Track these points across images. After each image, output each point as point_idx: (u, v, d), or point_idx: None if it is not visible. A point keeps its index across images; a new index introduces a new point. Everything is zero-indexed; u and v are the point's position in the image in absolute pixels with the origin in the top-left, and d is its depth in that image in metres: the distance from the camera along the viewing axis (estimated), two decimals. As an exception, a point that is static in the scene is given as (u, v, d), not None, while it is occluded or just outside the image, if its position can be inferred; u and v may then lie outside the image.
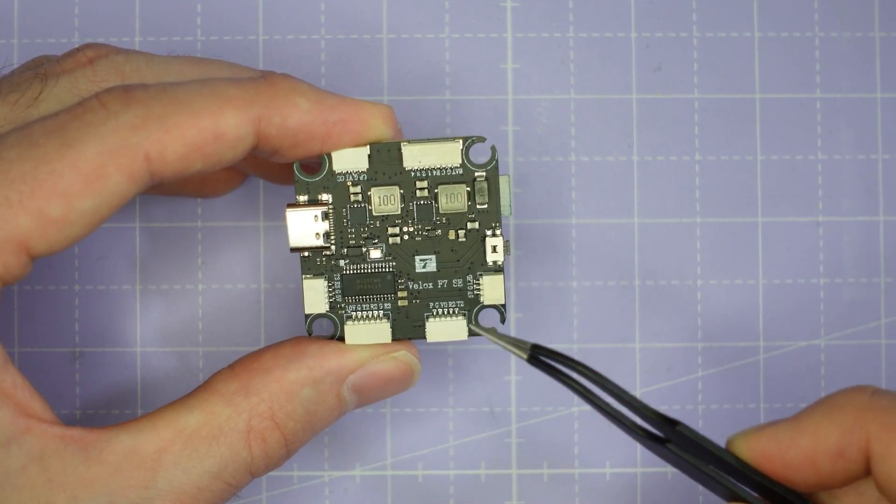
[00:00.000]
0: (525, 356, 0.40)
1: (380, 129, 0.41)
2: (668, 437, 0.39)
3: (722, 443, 0.39)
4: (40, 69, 0.42)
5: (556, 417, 0.51)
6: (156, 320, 0.51)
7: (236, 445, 0.39)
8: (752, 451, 0.38)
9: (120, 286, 0.51)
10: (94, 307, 0.51)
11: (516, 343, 0.41)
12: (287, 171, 0.44)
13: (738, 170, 0.51)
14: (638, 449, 0.50)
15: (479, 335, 0.42)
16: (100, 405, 0.50)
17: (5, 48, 0.51)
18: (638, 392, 0.51)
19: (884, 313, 0.51)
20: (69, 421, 0.50)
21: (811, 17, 0.52)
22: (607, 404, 0.39)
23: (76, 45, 0.47)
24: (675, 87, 0.51)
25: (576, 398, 0.50)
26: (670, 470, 0.50)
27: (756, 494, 0.39)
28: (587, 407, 0.50)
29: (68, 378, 0.50)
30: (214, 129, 0.38)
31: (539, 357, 0.40)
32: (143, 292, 0.51)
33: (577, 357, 0.40)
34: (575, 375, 0.40)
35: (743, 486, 0.39)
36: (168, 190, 0.49)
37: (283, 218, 0.44)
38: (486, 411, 0.51)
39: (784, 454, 0.38)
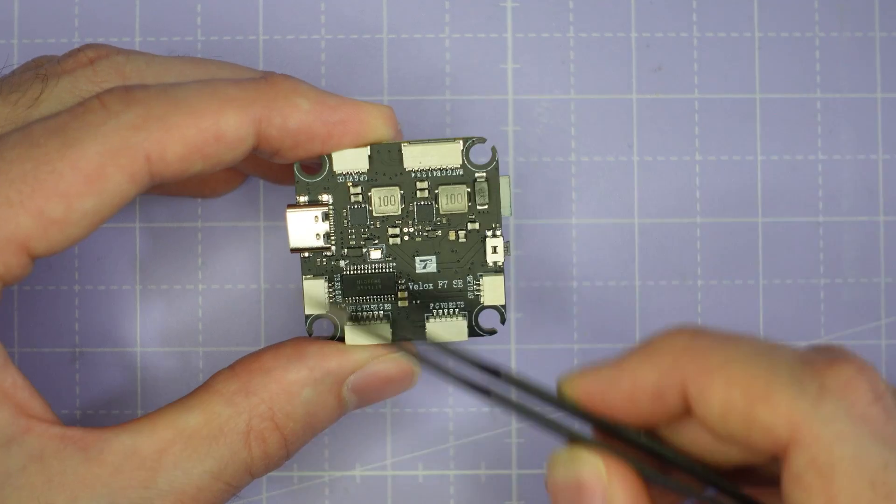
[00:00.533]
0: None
1: (380, 129, 0.41)
2: (492, 389, 0.39)
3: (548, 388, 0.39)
4: (41, 69, 0.42)
5: (555, 417, 0.51)
6: (156, 320, 0.51)
7: (236, 446, 0.40)
8: (577, 392, 0.38)
9: (120, 286, 0.51)
10: (94, 307, 0.51)
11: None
12: (287, 171, 0.44)
13: (738, 170, 0.51)
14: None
15: (482, 334, 0.42)
16: (100, 405, 0.50)
17: (5, 48, 0.51)
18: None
19: (884, 313, 0.51)
20: (69, 421, 0.50)
21: (811, 17, 0.52)
22: (439, 365, 0.39)
23: (76, 46, 0.47)
24: (675, 87, 0.51)
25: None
26: (670, 470, 0.50)
27: (593, 434, 0.39)
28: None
29: (68, 378, 0.50)
30: (215, 129, 0.38)
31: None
32: (143, 292, 0.51)
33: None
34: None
35: (576, 426, 0.39)
36: (168, 190, 0.49)
37: (284, 219, 0.44)
38: (486, 411, 0.51)
39: (606, 395, 0.38)
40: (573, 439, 0.38)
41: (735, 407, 0.35)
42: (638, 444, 0.38)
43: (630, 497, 0.37)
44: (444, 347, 0.39)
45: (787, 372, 0.34)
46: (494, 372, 0.39)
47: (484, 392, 0.39)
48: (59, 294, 0.51)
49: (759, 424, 0.34)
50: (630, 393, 0.37)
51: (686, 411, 0.37)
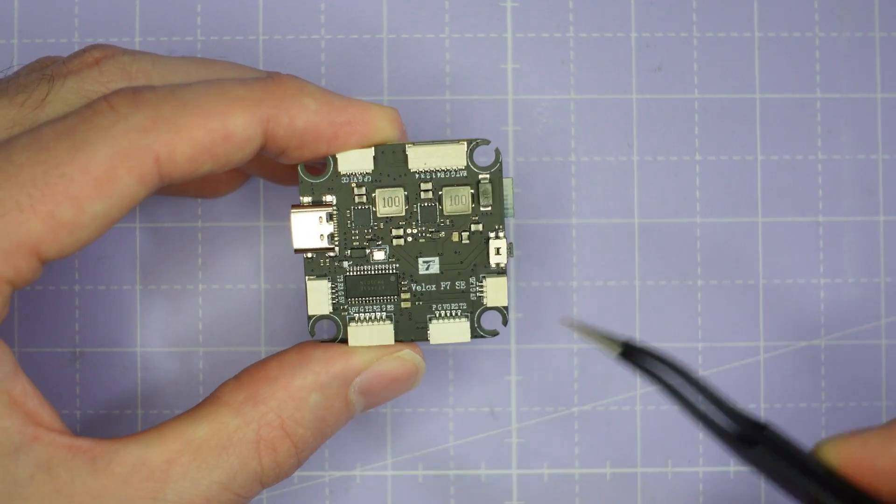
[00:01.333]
0: (615, 354, 0.39)
1: (386, 131, 0.41)
2: (755, 441, 0.38)
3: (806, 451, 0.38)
4: (46, 70, 0.42)
5: (556, 417, 0.51)
6: (156, 320, 0.51)
7: (246, 455, 0.39)
8: (841, 458, 0.37)
9: (120, 286, 0.51)
10: (94, 307, 0.51)
11: (606, 340, 0.39)
12: (289, 171, 0.44)
13: (738, 170, 0.51)
14: (638, 449, 0.51)
15: (484, 336, 0.42)
16: (100, 406, 0.50)
17: (5, 48, 0.51)
18: (638, 391, 0.51)
19: (884, 313, 0.51)
20: (69, 421, 0.50)
21: (811, 17, 0.52)
22: (694, 405, 0.38)
23: (76, 46, 0.47)
24: (675, 87, 0.52)
25: (576, 398, 0.50)
26: (671, 470, 0.51)
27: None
28: (587, 407, 0.50)
29: (68, 378, 0.50)
30: (223, 130, 0.38)
31: (630, 354, 0.39)
32: (143, 292, 0.51)
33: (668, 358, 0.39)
34: (666, 374, 0.38)
35: (827, 495, 0.37)
36: (170, 190, 0.49)
37: (288, 219, 0.44)
38: (486, 411, 0.51)
39: (873, 461, 0.36)
40: (818, 500, 0.37)
41: None
42: None
43: None
44: (711, 396, 0.38)
45: None
46: (759, 427, 0.38)
47: (746, 444, 0.38)
48: (60, 294, 0.50)
49: None
50: None
51: None
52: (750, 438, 0.38)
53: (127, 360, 0.50)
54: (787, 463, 0.37)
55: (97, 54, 0.42)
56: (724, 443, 0.38)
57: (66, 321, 0.50)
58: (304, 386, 0.40)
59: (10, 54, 0.51)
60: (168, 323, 0.51)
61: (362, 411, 0.42)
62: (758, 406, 0.51)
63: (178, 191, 0.49)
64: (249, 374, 0.41)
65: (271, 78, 0.40)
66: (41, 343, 0.50)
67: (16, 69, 0.45)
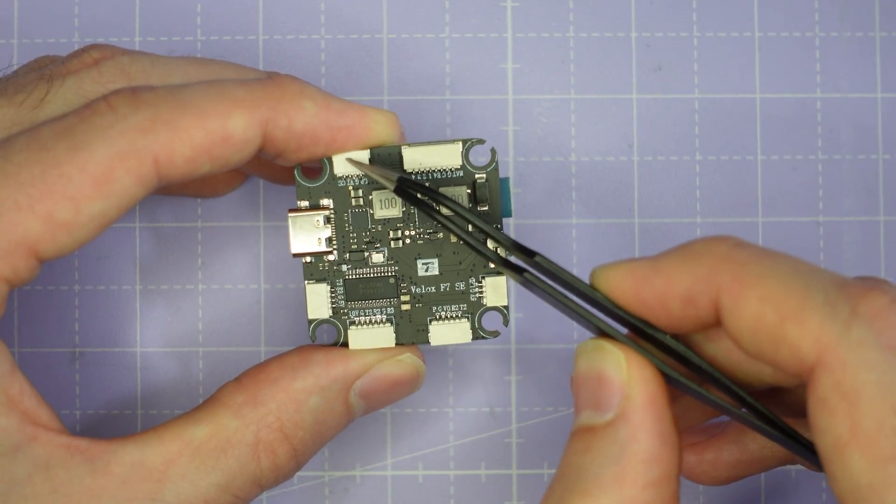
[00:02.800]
0: (392, 187, 0.40)
1: (384, 135, 0.41)
2: (526, 268, 0.39)
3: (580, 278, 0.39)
4: (45, 70, 0.42)
5: (556, 417, 0.51)
6: (156, 320, 0.51)
7: (244, 458, 0.39)
8: (609, 284, 0.38)
9: (120, 286, 0.51)
10: (94, 307, 0.51)
11: (384, 174, 0.41)
12: (288, 171, 0.43)
13: (738, 170, 0.51)
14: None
15: (485, 337, 0.42)
16: (100, 405, 0.50)
17: (5, 48, 0.51)
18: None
19: (884, 314, 0.51)
20: (69, 421, 0.50)
21: (811, 16, 0.52)
22: (469, 234, 0.40)
23: (76, 46, 0.47)
24: (675, 87, 0.51)
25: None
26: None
27: (624, 330, 0.39)
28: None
29: (68, 378, 0.50)
30: (222, 131, 0.38)
31: (405, 188, 0.40)
32: (143, 292, 0.51)
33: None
34: (440, 205, 0.40)
35: (609, 320, 0.38)
36: (169, 190, 0.49)
37: (285, 222, 0.44)
38: (486, 411, 0.51)
39: (639, 291, 0.37)
40: (601, 332, 0.38)
41: (765, 322, 0.34)
42: (665, 347, 0.38)
43: (649, 396, 0.36)
44: (484, 226, 0.39)
45: (821, 293, 0.34)
46: (530, 253, 0.39)
47: (517, 270, 0.39)
48: (60, 294, 0.51)
49: (788, 342, 0.34)
50: (662, 293, 0.36)
51: (715, 322, 0.36)
52: (520, 265, 0.39)
53: (127, 360, 0.50)
54: (557, 287, 0.38)
55: (96, 54, 0.42)
56: (499, 267, 0.39)
57: (66, 321, 0.50)
58: (305, 388, 0.40)
59: (9, 54, 0.51)
60: (168, 323, 0.51)
61: (363, 415, 0.42)
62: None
63: (177, 191, 0.49)
64: (249, 376, 0.41)
65: (271, 79, 0.40)
66: (41, 343, 0.50)
67: (15, 69, 0.45)
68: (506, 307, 0.42)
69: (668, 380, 0.37)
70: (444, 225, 0.40)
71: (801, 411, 0.38)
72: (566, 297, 0.38)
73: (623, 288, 0.37)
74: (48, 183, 0.36)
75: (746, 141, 0.51)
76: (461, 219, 0.40)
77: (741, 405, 0.38)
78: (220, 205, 0.51)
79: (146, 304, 0.51)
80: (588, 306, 0.38)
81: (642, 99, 0.51)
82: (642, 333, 0.38)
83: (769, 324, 0.34)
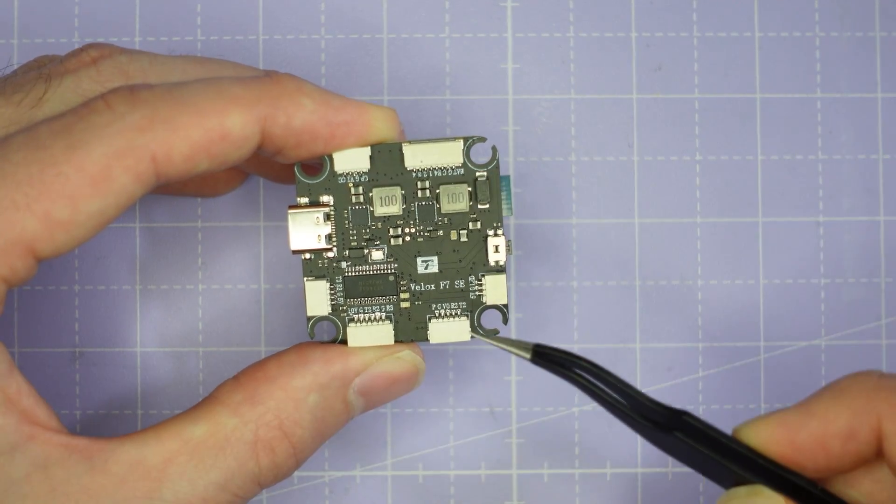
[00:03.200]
0: (528, 356, 0.40)
1: (383, 131, 0.41)
2: (673, 428, 0.39)
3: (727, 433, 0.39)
4: (44, 69, 0.42)
5: (556, 417, 0.51)
6: (156, 320, 0.51)
7: (243, 456, 0.39)
8: (760, 437, 0.38)
9: (120, 286, 0.51)
10: (94, 307, 0.51)
11: (518, 345, 0.41)
12: (288, 170, 0.43)
13: (738, 170, 0.51)
14: (638, 449, 0.50)
15: (485, 336, 0.42)
16: (100, 405, 0.50)
17: (5, 48, 0.51)
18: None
19: (884, 313, 0.51)
20: (69, 421, 0.50)
21: (811, 16, 0.52)
22: (611, 397, 0.40)
23: (76, 46, 0.47)
24: (675, 87, 0.51)
25: (576, 397, 0.50)
26: (671, 470, 0.50)
27: (764, 482, 0.39)
28: (587, 407, 0.50)
29: (68, 378, 0.50)
30: (220, 129, 0.38)
31: (542, 356, 0.40)
32: (143, 292, 0.51)
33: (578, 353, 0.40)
34: (579, 371, 0.40)
35: (750, 475, 0.38)
36: (169, 189, 0.49)
37: (285, 220, 0.44)
38: (487, 411, 0.51)
39: (794, 438, 0.38)
40: (740, 482, 0.38)
41: None
42: (815, 496, 0.38)
43: None
44: (625, 387, 0.39)
45: None
46: (677, 413, 0.39)
47: (664, 431, 0.39)
48: (59, 294, 0.50)
49: None
50: (821, 435, 0.37)
51: (874, 455, 0.37)
52: (667, 426, 0.39)
53: (126, 359, 0.50)
54: (705, 446, 0.39)
55: (94, 53, 0.42)
56: (642, 432, 0.39)
57: (66, 321, 0.50)
58: (303, 386, 0.40)
59: (9, 54, 0.51)
60: (167, 323, 0.51)
61: (362, 412, 0.42)
62: (758, 406, 0.51)
63: (176, 190, 0.49)
64: (248, 374, 0.41)
65: (269, 77, 0.40)
66: (41, 343, 0.50)
67: (14, 68, 0.44)
68: (505, 305, 0.42)
69: None
70: (585, 390, 0.40)
71: None
72: (719, 450, 0.39)
73: (776, 438, 0.38)
74: (46, 182, 0.36)
75: (746, 141, 0.51)
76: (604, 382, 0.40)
77: None
78: (219, 204, 0.51)
79: (146, 304, 0.51)
80: (725, 461, 0.39)
81: (642, 99, 0.51)
82: (790, 486, 0.38)
83: None
